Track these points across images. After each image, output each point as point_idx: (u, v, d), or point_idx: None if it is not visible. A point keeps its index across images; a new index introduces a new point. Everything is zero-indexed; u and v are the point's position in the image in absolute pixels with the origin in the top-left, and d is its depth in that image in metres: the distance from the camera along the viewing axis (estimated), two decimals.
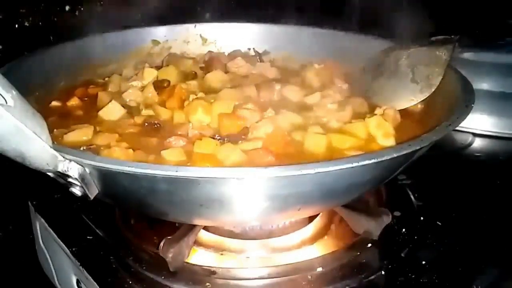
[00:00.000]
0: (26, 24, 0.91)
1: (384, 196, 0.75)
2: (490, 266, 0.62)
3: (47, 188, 0.76)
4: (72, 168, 0.47)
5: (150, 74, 0.81)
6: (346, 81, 0.84)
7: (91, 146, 0.62)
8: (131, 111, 0.72)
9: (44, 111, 0.58)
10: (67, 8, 0.98)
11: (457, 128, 0.54)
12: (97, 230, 0.68)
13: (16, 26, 0.90)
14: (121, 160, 0.53)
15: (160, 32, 0.97)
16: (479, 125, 0.97)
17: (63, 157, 0.47)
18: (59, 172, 0.47)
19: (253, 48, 0.98)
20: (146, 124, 0.69)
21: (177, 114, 0.70)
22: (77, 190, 0.49)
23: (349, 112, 0.72)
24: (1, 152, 0.43)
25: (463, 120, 0.55)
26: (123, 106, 0.72)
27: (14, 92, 0.43)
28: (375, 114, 0.69)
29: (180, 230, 0.60)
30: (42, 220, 0.73)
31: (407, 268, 0.60)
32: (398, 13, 0.78)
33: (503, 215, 0.72)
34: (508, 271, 0.62)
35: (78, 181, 0.48)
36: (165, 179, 0.46)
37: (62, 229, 0.69)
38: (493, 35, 1.07)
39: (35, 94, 0.73)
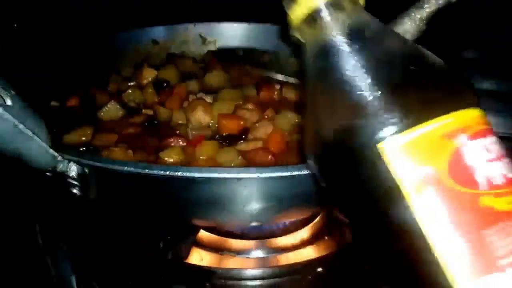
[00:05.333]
0: (25, 24, 0.91)
1: None
2: None
3: (47, 188, 0.76)
4: (71, 168, 0.47)
5: (149, 74, 0.81)
6: None
7: (91, 147, 0.62)
8: (131, 111, 0.72)
9: (43, 111, 0.58)
10: (66, 9, 0.98)
11: None
12: (97, 230, 0.68)
13: (15, 25, 0.90)
14: (121, 160, 0.53)
15: (160, 32, 0.97)
16: None
17: (62, 157, 0.47)
18: (58, 172, 0.47)
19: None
20: (146, 124, 0.69)
21: (177, 114, 0.70)
22: (76, 190, 0.49)
23: None
24: (0, 152, 0.43)
25: None
26: (122, 106, 0.72)
27: (13, 92, 0.43)
28: None
29: (180, 230, 0.60)
30: (42, 220, 0.73)
31: None
32: None
33: None
34: None
35: (78, 181, 0.48)
36: (165, 179, 0.46)
37: (62, 229, 0.69)
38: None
39: (35, 94, 0.73)
